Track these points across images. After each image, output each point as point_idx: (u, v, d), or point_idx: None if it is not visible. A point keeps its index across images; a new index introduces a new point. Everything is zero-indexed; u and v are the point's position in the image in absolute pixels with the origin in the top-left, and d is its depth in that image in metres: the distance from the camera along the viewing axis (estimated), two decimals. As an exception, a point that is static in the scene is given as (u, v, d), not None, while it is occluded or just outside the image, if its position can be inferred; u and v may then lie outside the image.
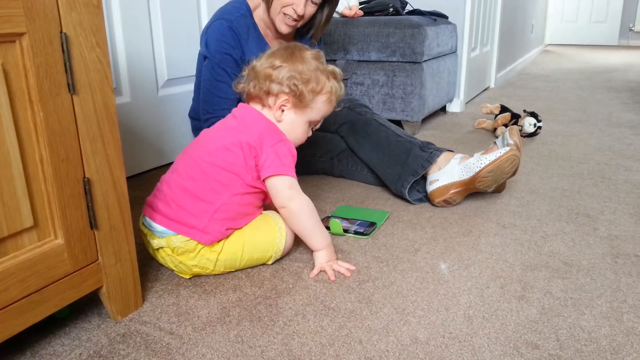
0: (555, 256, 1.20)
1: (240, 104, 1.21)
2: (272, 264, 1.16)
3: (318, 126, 1.24)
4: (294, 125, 1.17)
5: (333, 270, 1.12)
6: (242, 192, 1.10)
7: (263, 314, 0.98)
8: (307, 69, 1.13)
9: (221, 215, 1.08)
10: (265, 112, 1.16)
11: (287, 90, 1.12)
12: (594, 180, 1.73)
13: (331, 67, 1.19)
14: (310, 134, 1.22)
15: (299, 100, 1.13)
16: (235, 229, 1.12)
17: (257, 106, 1.17)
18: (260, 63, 1.15)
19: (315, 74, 1.14)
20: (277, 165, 1.09)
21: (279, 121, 1.15)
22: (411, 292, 1.05)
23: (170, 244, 1.07)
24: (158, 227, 1.08)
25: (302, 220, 1.12)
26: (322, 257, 1.13)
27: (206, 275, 1.12)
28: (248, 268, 1.15)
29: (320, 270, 1.12)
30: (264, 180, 1.11)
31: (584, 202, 1.54)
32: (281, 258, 1.18)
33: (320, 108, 1.17)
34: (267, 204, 1.18)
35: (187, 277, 1.11)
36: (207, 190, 1.08)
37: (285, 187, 1.10)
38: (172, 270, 1.13)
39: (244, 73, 1.19)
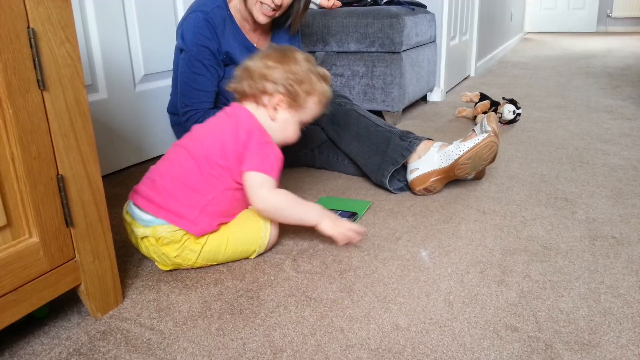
0: (534, 240, 1.21)
1: (233, 103, 1.20)
2: (254, 257, 1.16)
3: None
4: (287, 124, 1.18)
5: (342, 235, 1.13)
6: (233, 187, 1.11)
7: (244, 307, 0.98)
8: (301, 70, 1.15)
9: (212, 208, 1.09)
10: (260, 112, 1.16)
11: (282, 90, 1.13)
12: (573, 164, 1.75)
13: (322, 69, 1.21)
14: (299, 134, 1.23)
15: (294, 100, 1.15)
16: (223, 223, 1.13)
17: (250, 105, 1.17)
18: (254, 63, 1.16)
19: (308, 76, 1.16)
20: (257, 162, 1.09)
21: (272, 119, 1.16)
22: (392, 280, 1.05)
23: (156, 234, 1.06)
24: (145, 215, 1.07)
25: (283, 213, 1.13)
26: (327, 227, 1.13)
27: (187, 270, 1.12)
28: (229, 262, 1.15)
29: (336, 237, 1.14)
30: (242, 174, 1.10)
31: (563, 186, 1.55)
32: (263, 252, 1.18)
33: (312, 109, 1.20)
34: None
35: (167, 269, 1.11)
36: (201, 182, 1.08)
37: (256, 185, 1.09)
38: (154, 261, 1.12)
39: (236, 73, 1.19)
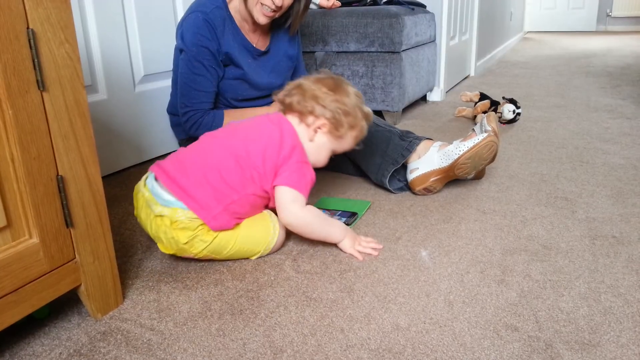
0: (534, 240, 1.21)
1: (277, 113, 1.22)
2: (254, 259, 1.16)
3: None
4: (321, 149, 1.21)
5: (360, 253, 1.16)
6: (258, 194, 1.13)
7: (245, 307, 0.98)
8: (350, 103, 1.19)
9: (234, 208, 1.10)
10: (300, 128, 1.19)
11: (329, 115, 1.17)
12: (573, 164, 1.75)
13: (367, 108, 1.25)
14: (327, 162, 1.25)
15: (335, 129, 1.18)
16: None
17: (293, 120, 1.19)
18: (308, 84, 1.20)
19: (355, 110, 1.20)
20: (293, 178, 1.12)
21: (310, 140, 1.19)
22: (392, 280, 1.05)
23: (174, 216, 1.07)
24: (167, 195, 1.08)
25: (311, 230, 1.16)
26: (347, 245, 1.17)
27: (187, 270, 1.12)
28: (230, 260, 1.15)
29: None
30: (274, 187, 1.12)
31: (563, 186, 1.55)
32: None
33: (347, 142, 1.24)
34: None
35: (168, 252, 1.11)
36: (236, 180, 1.10)
37: (287, 202, 1.12)
38: (157, 242, 1.12)
39: (287, 87, 1.22)
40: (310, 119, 1.18)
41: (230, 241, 1.12)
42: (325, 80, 1.21)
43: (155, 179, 1.11)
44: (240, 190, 1.10)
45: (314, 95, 1.17)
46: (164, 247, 1.11)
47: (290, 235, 1.26)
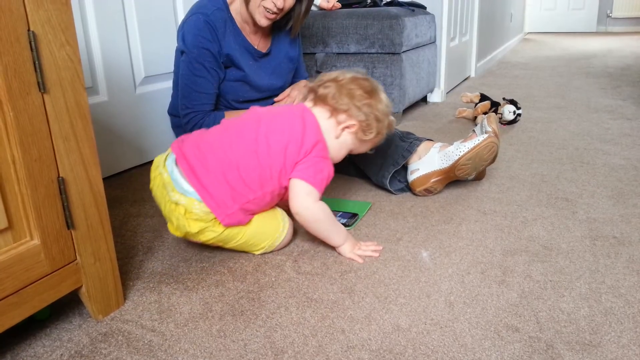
0: (535, 240, 1.21)
1: (302, 106, 1.20)
2: (257, 254, 1.17)
3: None
4: (343, 147, 1.21)
5: (360, 256, 1.15)
6: (276, 191, 1.13)
7: (246, 308, 0.98)
8: (381, 111, 1.19)
9: (251, 206, 1.12)
10: (328, 123, 1.18)
11: (362, 118, 1.17)
12: (573, 165, 1.75)
13: (393, 118, 1.25)
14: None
15: (363, 132, 1.19)
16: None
17: (323, 113, 1.18)
18: (345, 80, 1.19)
19: (384, 119, 1.21)
20: (310, 172, 1.11)
21: (336, 137, 1.19)
22: (393, 281, 1.05)
23: (190, 207, 1.07)
24: (186, 184, 1.08)
25: (318, 226, 1.14)
26: (346, 250, 1.16)
27: (188, 271, 1.12)
28: (235, 251, 1.15)
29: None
30: (289, 179, 1.12)
31: (563, 186, 1.55)
32: (262, 255, 1.18)
33: (366, 146, 1.25)
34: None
35: (176, 234, 1.13)
36: (255, 179, 1.10)
37: (302, 194, 1.11)
38: (167, 221, 1.14)
39: (322, 77, 1.21)
40: (342, 116, 1.17)
41: (239, 234, 1.13)
42: (361, 81, 1.20)
43: (176, 163, 1.11)
44: (258, 190, 1.10)
45: (351, 94, 1.16)
46: (173, 229, 1.12)
47: (292, 236, 1.26)
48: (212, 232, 1.10)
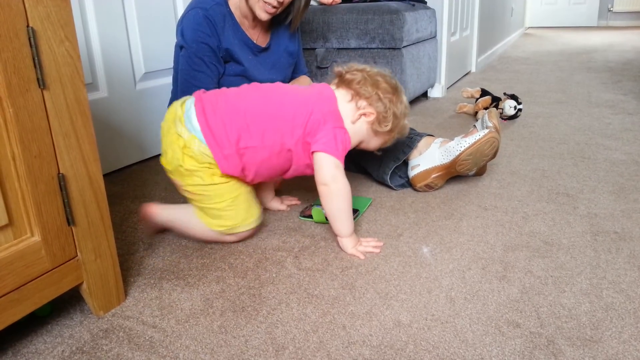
0: (535, 236, 1.21)
1: (325, 85, 1.25)
2: (218, 231, 1.18)
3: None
4: (357, 134, 1.22)
5: (362, 252, 1.16)
6: (276, 150, 1.15)
7: (246, 304, 0.98)
8: (400, 110, 1.22)
9: (247, 156, 1.14)
10: (348, 107, 1.20)
11: (381, 109, 1.19)
12: (574, 160, 1.75)
13: (407, 123, 1.28)
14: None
15: (379, 123, 1.20)
16: (243, 181, 1.19)
17: (345, 95, 1.21)
18: (372, 72, 1.22)
19: (402, 118, 1.23)
20: (332, 145, 1.14)
21: (352, 122, 1.20)
22: (394, 277, 1.05)
23: (189, 143, 1.11)
24: (195, 122, 1.12)
25: (338, 202, 1.15)
26: (348, 245, 1.17)
27: (189, 267, 1.12)
28: (237, 248, 1.15)
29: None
30: (312, 153, 1.15)
31: (564, 181, 1.55)
32: (262, 250, 1.18)
33: (376, 142, 1.26)
34: (281, 180, 1.24)
35: (167, 167, 1.17)
36: (259, 127, 1.13)
37: (331, 166, 1.14)
38: (162, 154, 1.18)
39: (351, 65, 1.24)
40: (363, 102, 1.19)
41: (223, 196, 1.15)
42: (387, 78, 1.23)
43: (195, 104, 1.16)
44: (258, 139, 1.13)
45: (376, 84, 1.19)
46: (165, 162, 1.17)
47: (291, 232, 1.26)
48: (200, 179, 1.13)
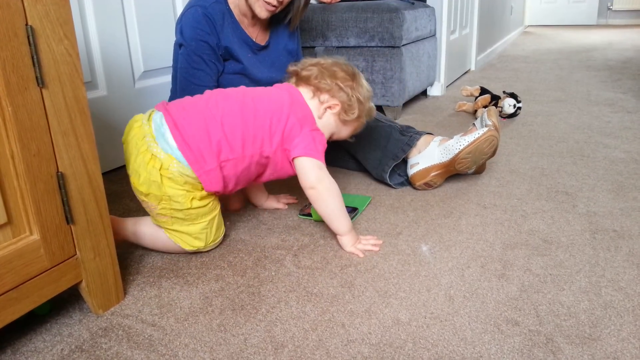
0: (534, 234, 1.21)
1: (289, 84, 1.24)
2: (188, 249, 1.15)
3: None
4: (326, 128, 1.22)
5: (361, 250, 1.15)
6: (257, 159, 1.13)
7: (246, 302, 0.98)
8: (363, 95, 1.23)
9: (229, 168, 1.10)
10: (312, 103, 1.20)
11: (344, 99, 1.19)
12: (573, 158, 1.75)
13: (372, 105, 1.29)
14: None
15: (345, 113, 1.21)
16: (221, 195, 1.16)
17: (307, 93, 1.21)
18: (326, 63, 1.22)
19: (366, 102, 1.24)
20: (312, 147, 1.14)
21: (319, 117, 1.20)
22: (393, 275, 1.05)
23: (167, 164, 1.04)
24: (171, 140, 1.05)
25: (330, 202, 1.15)
26: (348, 242, 1.16)
27: (188, 266, 1.12)
28: (235, 246, 1.15)
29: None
30: (293, 160, 1.14)
31: (563, 180, 1.55)
32: (261, 249, 1.18)
33: (347, 131, 1.27)
34: (255, 184, 1.22)
35: (139, 189, 1.06)
36: (238, 136, 1.09)
37: (315, 168, 1.14)
38: (131, 174, 1.08)
39: (305, 61, 1.24)
40: (325, 96, 1.19)
41: (196, 221, 1.11)
42: (342, 65, 1.23)
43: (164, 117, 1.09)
44: (239, 149, 1.09)
45: (334, 75, 1.19)
46: (138, 183, 1.06)
47: (290, 230, 1.26)
48: (178, 204, 1.07)
